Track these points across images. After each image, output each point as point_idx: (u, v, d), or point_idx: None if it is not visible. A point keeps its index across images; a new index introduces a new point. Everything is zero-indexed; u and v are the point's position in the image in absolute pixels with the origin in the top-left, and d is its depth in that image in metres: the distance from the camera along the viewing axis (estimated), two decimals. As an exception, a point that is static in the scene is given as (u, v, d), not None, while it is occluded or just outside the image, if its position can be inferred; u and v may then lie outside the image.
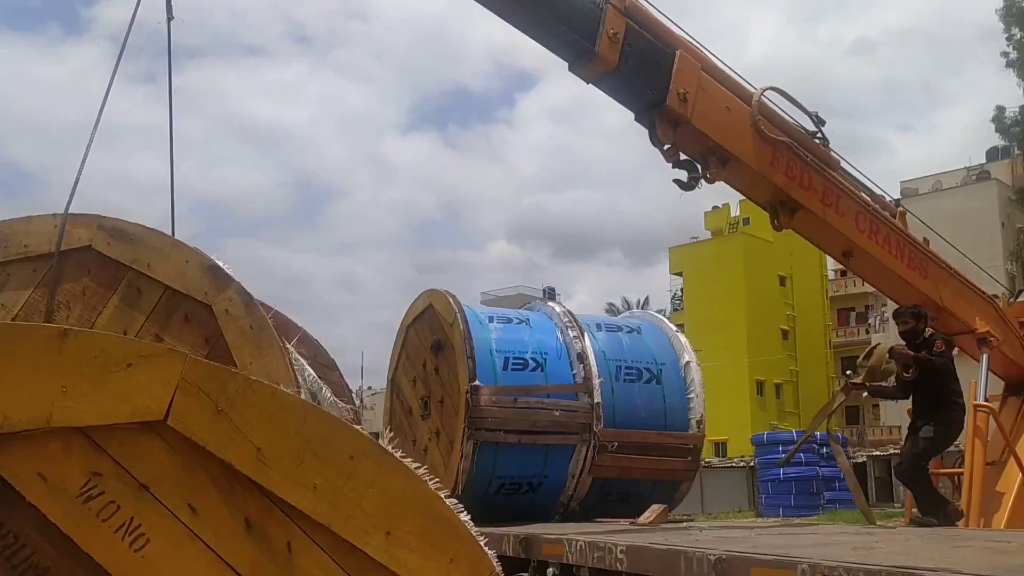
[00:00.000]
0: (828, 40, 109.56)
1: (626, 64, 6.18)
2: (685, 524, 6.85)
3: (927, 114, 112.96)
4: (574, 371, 7.58)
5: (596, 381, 7.53)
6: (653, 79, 6.29)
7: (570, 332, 7.77)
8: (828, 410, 7.93)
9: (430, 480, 1.97)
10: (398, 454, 1.93)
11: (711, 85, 6.51)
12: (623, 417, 7.67)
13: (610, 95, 6.50)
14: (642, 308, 64.40)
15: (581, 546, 4.99)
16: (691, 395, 8.02)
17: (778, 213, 6.85)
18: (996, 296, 8.50)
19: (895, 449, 23.08)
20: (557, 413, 7.32)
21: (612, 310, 53.59)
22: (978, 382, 7.80)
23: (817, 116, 6.90)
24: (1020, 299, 8.73)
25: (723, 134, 6.40)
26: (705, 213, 57.85)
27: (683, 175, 6.49)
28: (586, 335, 7.82)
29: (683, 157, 6.45)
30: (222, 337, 3.80)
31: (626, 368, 7.88)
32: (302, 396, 4.11)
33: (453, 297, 7.57)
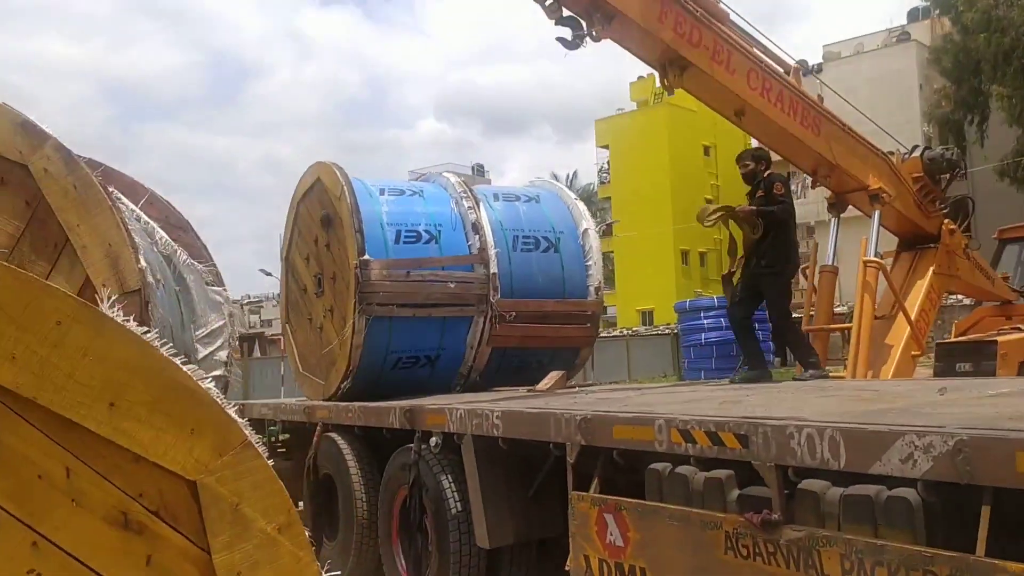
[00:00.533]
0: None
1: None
2: (577, 389, 6.91)
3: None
4: (469, 242, 7.43)
5: (492, 251, 7.40)
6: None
7: (465, 203, 7.58)
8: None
9: (162, 346, 1.80)
10: (120, 318, 1.74)
11: (594, -68, 6.15)
12: (521, 287, 7.60)
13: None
14: (570, 182, 64.42)
15: (461, 414, 4.97)
16: (589, 263, 7.96)
17: (667, 72, 6.64)
18: (891, 153, 8.52)
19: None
20: (452, 285, 7.21)
21: (540, 185, 53.19)
22: (869, 238, 7.90)
23: (705, -35, 6.62)
24: (914, 155, 8.77)
25: (607, -13, 6.10)
26: (630, 84, 57.17)
27: (567, 33, 6.21)
28: (482, 205, 7.64)
29: (566, 13, 6.14)
30: (44, 200, 3.53)
31: (523, 238, 7.75)
32: (142, 259, 3.87)
33: (340, 169, 7.27)
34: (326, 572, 2.03)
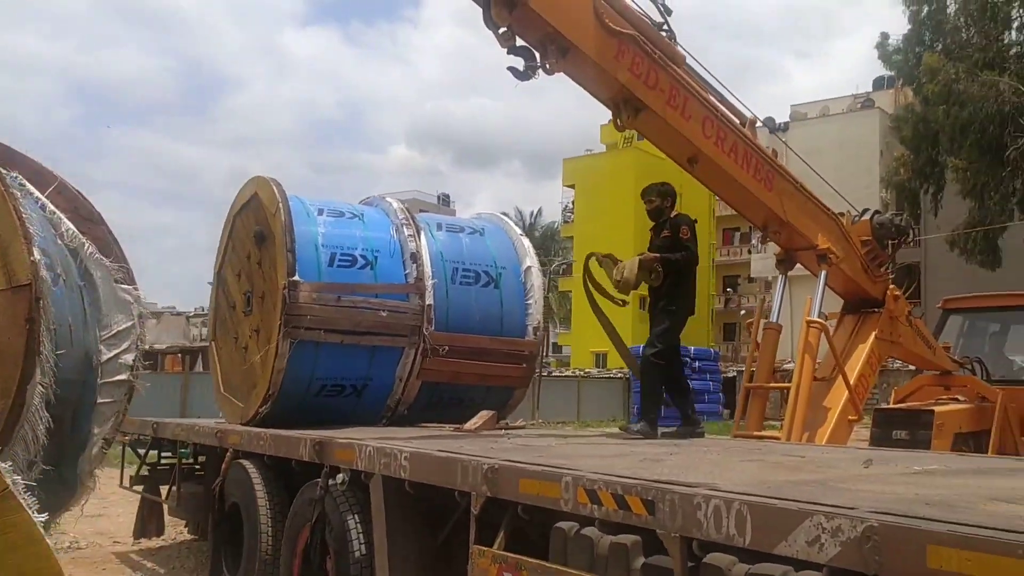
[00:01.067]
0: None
1: (460, -65, 5.63)
2: (504, 431, 6.66)
3: (824, 42, 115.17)
4: (407, 271, 7.20)
5: (429, 282, 7.18)
6: (487, -48, 5.77)
7: (406, 230, 7.35)
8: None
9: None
10: None
11: (550, -38, 6.00)
12: (456, 321, 7.37)
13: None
14: (534, 219, 64.62)
15: (370, 452, 4.70)
16: (530, 300, 7.77)
17: (621, 111, 6.49)
18: (842, 214, 8.47)
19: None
20: (384, 313, 6.96)
21: (504, 219, 53.21)
22: (813, 297, 7.80)
23: (664, 4, 6.51)
24: (864, 218, 8.74)
25: (562, 20, 5.92)
26: (601, 126, 57.62)
27: (520, 63, 6.04)
28: (423, 234, 7.42)
29: (520, 43, 5.98)
30: None
31: (463, 270, 7.54)
32: (36, 251, 3.58)
33: (278, 185, 7.01)
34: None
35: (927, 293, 33.27)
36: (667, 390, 6.83)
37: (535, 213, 65.74)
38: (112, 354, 5.42)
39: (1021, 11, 25.47)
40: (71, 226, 5.18)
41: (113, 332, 5.47)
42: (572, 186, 59.12)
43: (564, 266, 55.06)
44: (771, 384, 8.18)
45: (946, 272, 32.23)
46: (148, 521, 8.72)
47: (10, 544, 1.50)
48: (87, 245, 5.15)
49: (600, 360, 47.92)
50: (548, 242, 61.80)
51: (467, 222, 8.31)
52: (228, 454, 6.42)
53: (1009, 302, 11.02)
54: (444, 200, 79.40)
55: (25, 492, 1.67)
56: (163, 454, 8.50)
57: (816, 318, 7.67)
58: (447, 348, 7.22)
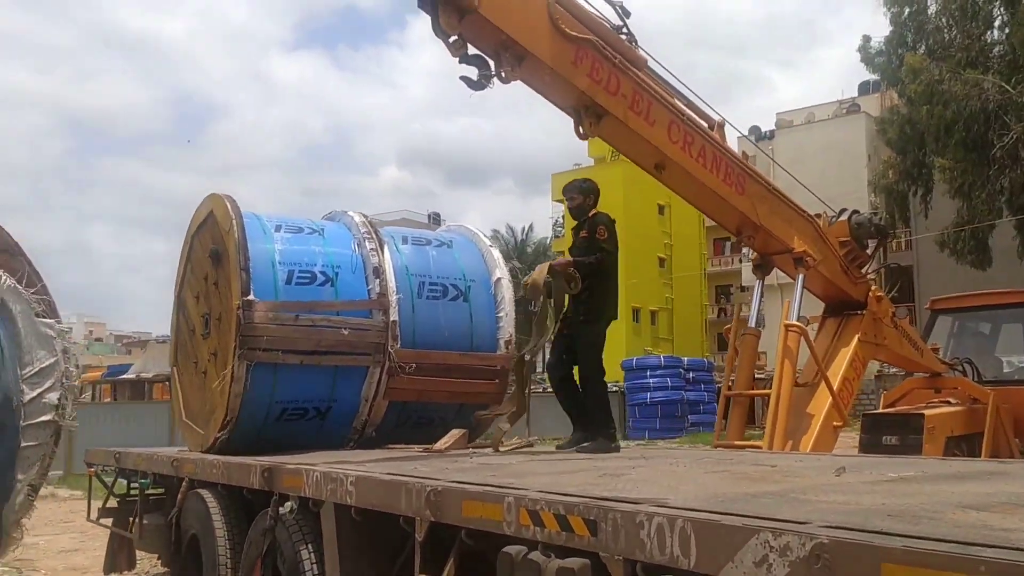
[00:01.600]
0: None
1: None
2: (471, 452, 6.38)
3: (807, 51, 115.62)
4: (369, 286, 6.94)
5: (393, 297, 6.91)
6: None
7: (368, 244, 7.09)
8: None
9: None
10: None
11: (501, -34, 5.79)
12: (424, 337, 7.10)
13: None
14: (525, 235, 64.41)
15: (317, 477, 4.44)
16: (501, 314, 7.50)
17: (583, 119, 6.28)
18: (818, 215, 8.26)
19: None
20: (346, 332, 6.68)
21: (496, 237, 53.09)
22: (792, 301, 7.57)
23: (622, 7, 6.29)
24: (841, 218, 8.52)
25: (516, 26, 5.70)
26: (588, 140, 57.54)
27: (473, 72, 5.81)
28: (386, 248, 7.16)
29: (472, 51, 5.75)
30: None
31: (430, 284, 7.28)
32: None
33: (232, 202, 6.76)
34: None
35: (920, 296, 33.05)
36: (573, 407, 6.48)
37: (526, 229, 65.56)
38: (35, 393, 5.13)
39: (1002, 10, 25.38)
40: None
41: (36, 370, 5.18)
42: (561, 200, 58.92)
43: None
44: (752, 391, 7.93)
45: (939, 274, 32.03)
46: (118, 555, 8.41)
47: None
48: (3, 276, 4.89)
49: (595, 374, 47.53)
50: (541, 257, 61.51)
51: (434, 235, 8.06)
52: (184, 484, 6.15)
53: (998, 301, 10.82)
54: (435, 219, 78.96)
55: None
56: (132, 485, 8.22)
57: (795, 322, 7.43)
58: (414, 365, 6.95)
